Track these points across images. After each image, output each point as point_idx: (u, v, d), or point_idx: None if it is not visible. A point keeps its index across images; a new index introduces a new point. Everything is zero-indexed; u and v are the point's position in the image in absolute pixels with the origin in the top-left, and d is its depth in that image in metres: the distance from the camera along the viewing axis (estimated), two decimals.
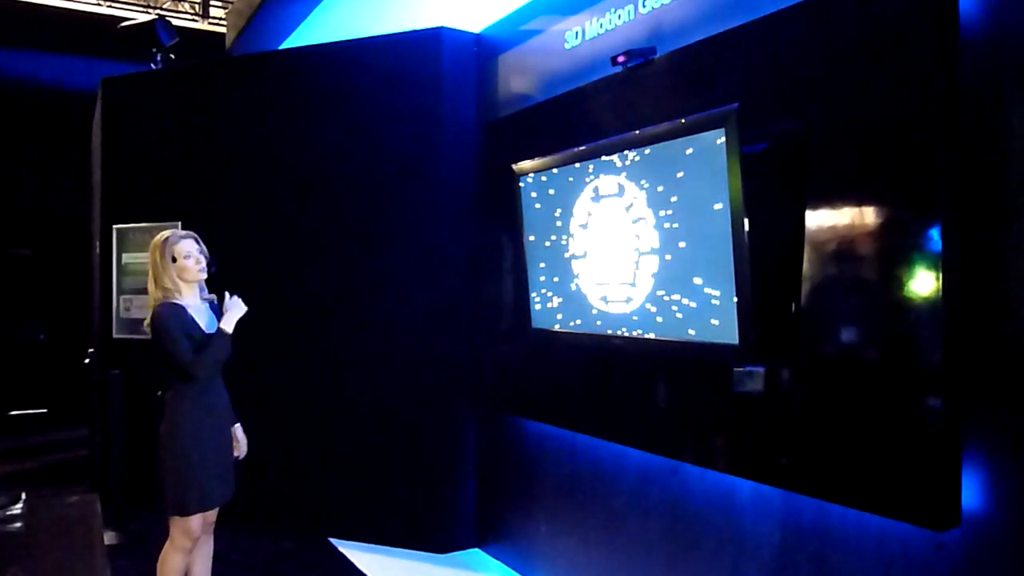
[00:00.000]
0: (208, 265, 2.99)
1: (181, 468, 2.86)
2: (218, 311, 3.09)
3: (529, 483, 3.88)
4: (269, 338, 4.48)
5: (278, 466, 4.48)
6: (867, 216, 2.13)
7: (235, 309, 3.00)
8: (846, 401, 2.17)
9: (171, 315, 2.85)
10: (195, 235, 3.02)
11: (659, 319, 2.73)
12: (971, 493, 1.95)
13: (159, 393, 2.97)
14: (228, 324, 2.96)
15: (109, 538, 4.49)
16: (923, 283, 1.98)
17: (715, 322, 2.48)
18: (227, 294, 3.05)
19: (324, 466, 4.49)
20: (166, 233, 2.97)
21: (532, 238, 3.43)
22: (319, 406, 4.49)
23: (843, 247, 2.18)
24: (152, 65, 5.56)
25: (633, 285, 2.84)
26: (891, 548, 2.12)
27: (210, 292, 3.10)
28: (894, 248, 2.06)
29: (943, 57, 1.95)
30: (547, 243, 3.33)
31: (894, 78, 2.05)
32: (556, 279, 3.30)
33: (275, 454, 4.41)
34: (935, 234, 1.95)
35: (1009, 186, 1.90)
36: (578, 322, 3.19)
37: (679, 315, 2.63)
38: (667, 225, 2.65)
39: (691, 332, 2.59)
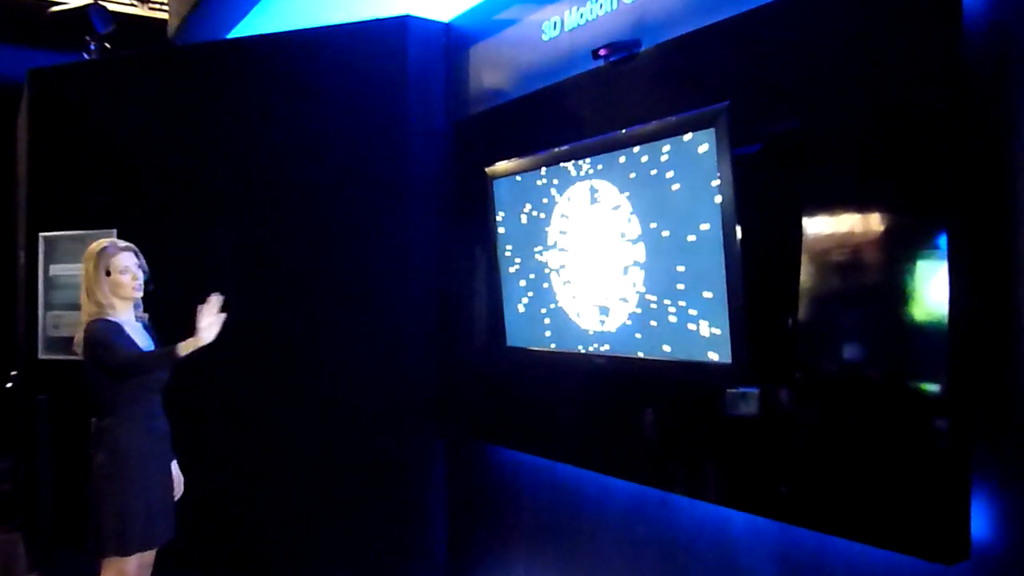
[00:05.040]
0: (146, 283, 2.98)
1: (121, 501, 2.84)
2: (152, 331, 3.07)
3: (505, 517, 3.88)
4: (213, 360, 4.43)
5: (223, 504, 4.42)
6: (869, 223, 2.17)
7: (205, 333, 2.79)
8: (847, 424, 2.20)
9: (107, 328, 2.84)
10: (134, 248, 3.01)
11: (644, 336, 2.76)
12: (981, 524, 1.99)
13: (93, 420, 2.94)
14: (186, 347, 2.79)
15: None
16: (929, 295, 2.01)
17: (706, 339, 2.51)
18: (205, 306, 2.82)
19: (275, 503, 4.44)
20: (103, 243, 2.96)
21: (507, 247, 3.46)
22: (269, 435, 4.45)
23: (843, 257, 2.22)
24: (85, 55, 5.52)
25: (619, 300, 2.86)
26: None
27: (145, 310, 3.08)
28: (898, 257, 2.09)
29: (947, 50, 1.99)
30: (523, 253, 3.36)
31: (896, 73, 2.09)
32: (534, 294, 3.32)
33: (219, 490, 4.35)
34: (942, 242, 1.98)
35: (1021, 189, 1.94)
36: (552, 342, 3.22)
37: (666, 332, 2.66)
38: (653, 234, 2.68)
39: (679, 350, 2.62)
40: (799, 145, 2.34)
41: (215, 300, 2.83)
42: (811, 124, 2.32)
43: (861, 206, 2.19)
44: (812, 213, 2.31)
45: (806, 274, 2.31)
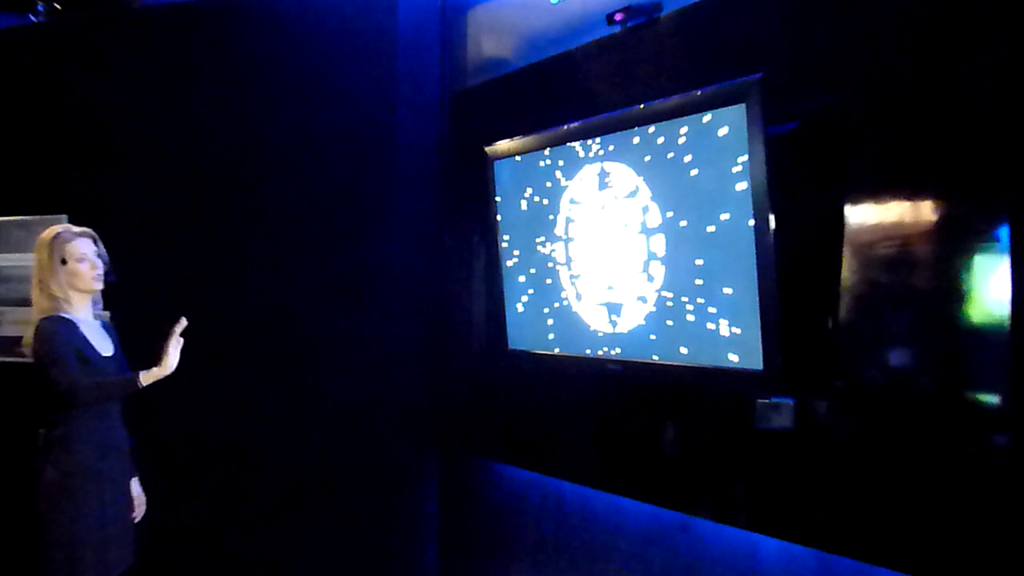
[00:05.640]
0: (106, 273, 2.96)
1: (71, 525, 2.81)
2: (112, 332, 3.06)
3: (505, 543, 3.88)
4: (181, 367, 4.41)
5: (192, 525, 4.41)
6: (919, 212, 2.17)
7: (171, 360, 2.92)
8: (893, 440, 2.20)
9: (58, 330, 2.81)
10: (93, 234, 3.00)
11: (659, 337, 2.75)
12: None
13: (41, 431, 2.92)
14: (147, 378, 2.88)
15: None
16: (988, 293, 2.01)
17: (725, 339, 2.51)
18: (177, 332, 2.93)
19: (250, 527, 4.43)
20: (57, 228, 2.95)
21: (504, 238, 3.44)
22: (243, 450, 4.43)
23: (890, 251, 2.21)
24: (32, 17, 5.49)
25: (634, 298, 2.84)
26: None
27: (104, 307, 3.07)
28: (952, 251, 2.09)
29: (1011, 16, 1.97)
30: (523, 245, 3.34)
31: (951, 42, 2.07)
32: (535, 291, 3.30)
33: (189, 511, 4.34)
34: (1003, 233, 1.98)
35: None
36: (556, 345, 3.20)
37: (683, 332, 2.66)
38: (675, 223, 2.67)
39: (697, 352, 2.61)
40: (841, 124, 2.33)
41: (180, 324, 2.93)
42: (855, 100, 2.31)
43: (911, 193, 2.18)
44: (855, 201, 2.30)
45: (848, 270, 2.31)
